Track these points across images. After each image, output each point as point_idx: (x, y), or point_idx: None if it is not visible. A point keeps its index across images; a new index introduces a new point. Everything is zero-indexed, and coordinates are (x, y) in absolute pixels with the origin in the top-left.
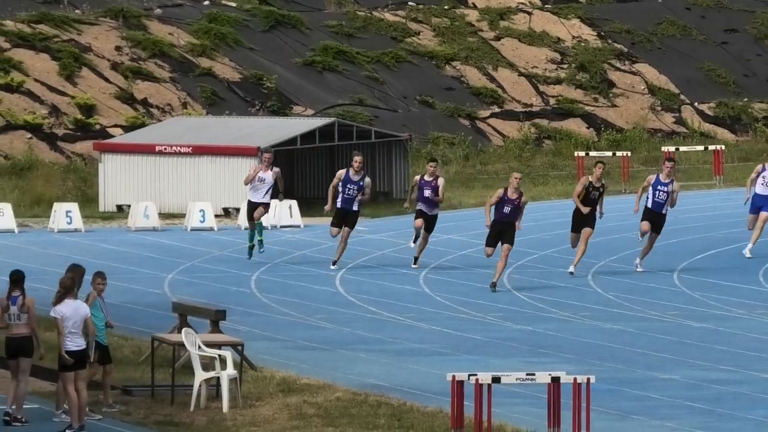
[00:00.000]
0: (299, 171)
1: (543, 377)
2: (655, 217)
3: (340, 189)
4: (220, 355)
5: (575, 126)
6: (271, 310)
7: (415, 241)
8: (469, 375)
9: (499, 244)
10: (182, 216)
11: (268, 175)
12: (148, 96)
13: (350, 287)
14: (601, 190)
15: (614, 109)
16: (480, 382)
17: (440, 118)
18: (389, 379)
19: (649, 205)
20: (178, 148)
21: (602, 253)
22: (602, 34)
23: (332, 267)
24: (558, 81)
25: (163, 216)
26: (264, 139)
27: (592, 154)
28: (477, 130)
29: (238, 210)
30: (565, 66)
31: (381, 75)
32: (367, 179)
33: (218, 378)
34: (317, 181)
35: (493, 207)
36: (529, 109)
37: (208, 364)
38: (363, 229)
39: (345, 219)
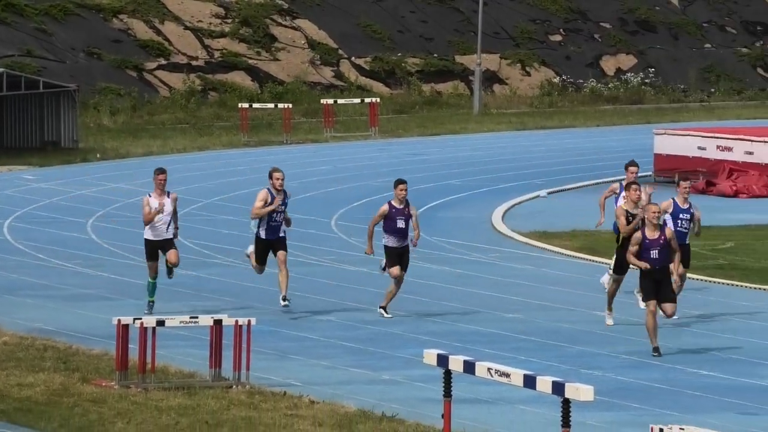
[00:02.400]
0: None
1: (206, 320)
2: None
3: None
4: None
5: (239, 78)
6: None
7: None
8: (134, 319)
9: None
10: None
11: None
12: None
13: (18, 235)
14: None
15: (276, 62)
16: (144, 325)
17: (108, 69)
18: (56, 323)
19: None
20: None
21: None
22: None
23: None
24: (222, 35)
25: None
26: None
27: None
28: (144, 82)
29: None
30: (229, 20)
31: (49, 27)
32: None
33: None
34: None
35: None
36: (195, 61)
37: None
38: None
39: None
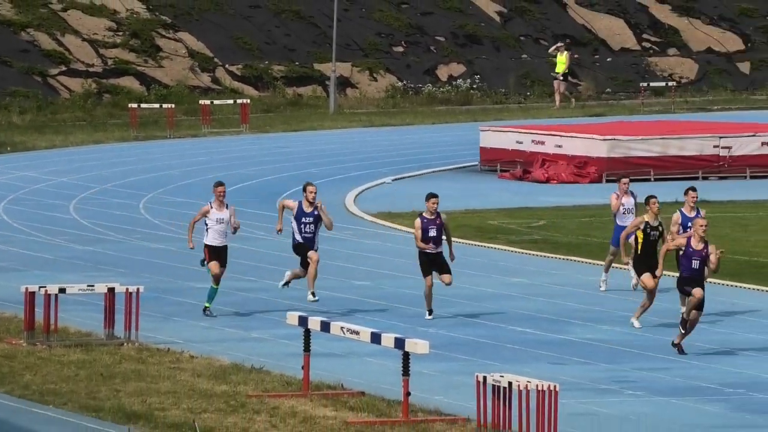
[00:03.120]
0: None
1: (101, 288)
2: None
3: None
4: None
5: (129, 82)
6: None
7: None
8: (39, 287)
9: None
10: None
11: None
12: None
13: None
14: (661, 229)
15: (161, 68)
16: (48, 292)
17: (17, 75)
18: None
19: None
20: None
21: (152, 186)
22: (151, 7)
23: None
24: (115, 45)
25: None
26: None
27: (151, 105)
28: (48, 86)
29: None
30: (121, 33)
31: None
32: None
33: None
34: None
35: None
36: (91, 68)
37: None
38: None
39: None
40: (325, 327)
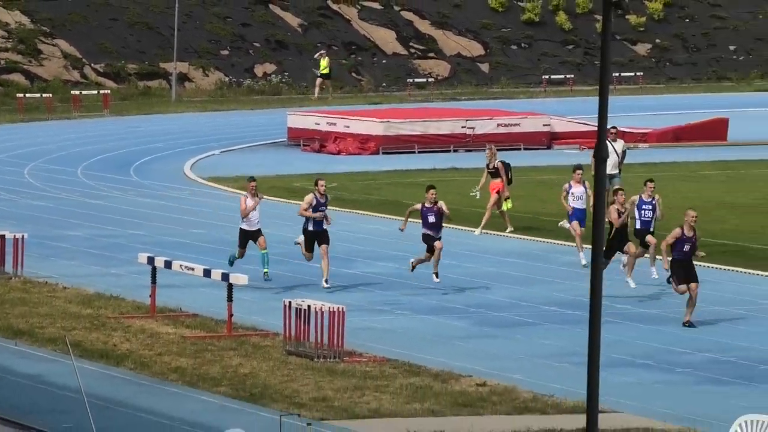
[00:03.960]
0: None
1: None
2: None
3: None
4: None
5: (17, 78)
6: None
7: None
8: None
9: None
10: None
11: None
12: None
13: None
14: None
15: (42, 67)
16: None
17: None
18: None
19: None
20: None
21: (34, 156)
22: (34, 20)
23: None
24: (6, 49)
25: None
26: None
27: None
28: None
29: None
30: (11, 40)
31: None
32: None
33: None
34: None
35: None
36: None
37: None
38: None
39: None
40: (168, 265)
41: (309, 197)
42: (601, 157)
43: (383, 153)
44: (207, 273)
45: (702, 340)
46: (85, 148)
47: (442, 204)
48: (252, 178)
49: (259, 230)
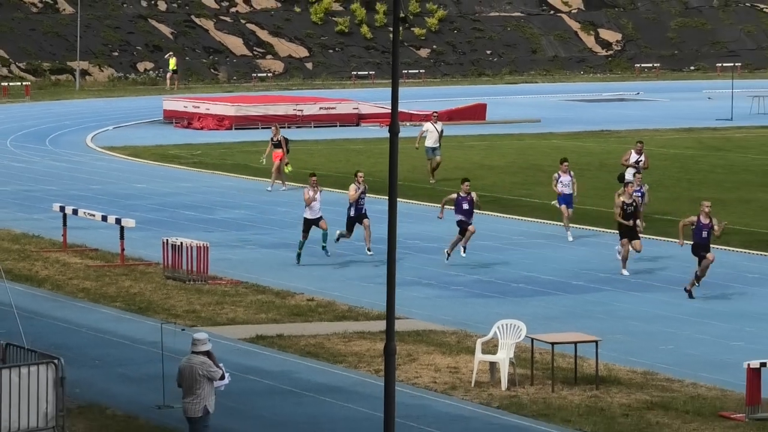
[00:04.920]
0: None
1: None
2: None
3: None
4: None
5: None
6: None
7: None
8: None
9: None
10: None
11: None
12: None
13: None
14: (635, 204)
15: None
16: None
17: None
18: None
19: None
20: None
21: None
22: None
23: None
24: None
25: None
26: None
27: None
28: None
29: None
30: None
31: None
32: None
33: None
34: None
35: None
36: None
37: None
38: None
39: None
40: (75, 212)
41: (353, 186)
42: (394, 131)
43: (235, 129)
44: (104, 218)
45: (470, 267)
46: (12, 125)
47: (474, 194)
48: (313, 174)
49: (320, 217)
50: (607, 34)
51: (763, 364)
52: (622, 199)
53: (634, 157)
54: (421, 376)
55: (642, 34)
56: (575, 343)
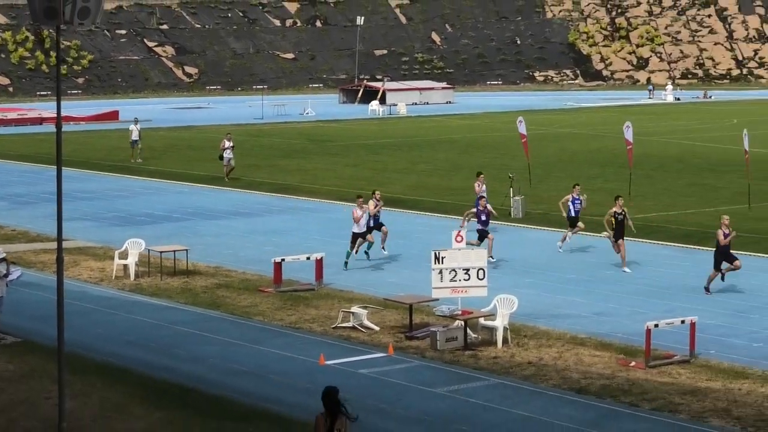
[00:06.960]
0: None
1: None
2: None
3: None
4: None
5: None
6: None
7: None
8: None
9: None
10: None
11: (366, 213)
12: None
13: None
14: (624, 213)
15: None
16: None
17: None
18: None
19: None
20: None
21: None
22: None
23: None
24: None
25: None
26: None
27: None
28: None
29: None
30: None
31: None
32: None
33: None
34: None
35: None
36: None
37: None
38: None
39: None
40: None
41: (371, 203)
42: (60, 125)
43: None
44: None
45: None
46: None
47: (490, 207)
48: (359, 196)
49: (365, 231)
50: (190, 69)
51: None
52: (614, 209)
53: (227, 144)
54: (82, 274)
55: (210, 69)
56: (174, 251)
